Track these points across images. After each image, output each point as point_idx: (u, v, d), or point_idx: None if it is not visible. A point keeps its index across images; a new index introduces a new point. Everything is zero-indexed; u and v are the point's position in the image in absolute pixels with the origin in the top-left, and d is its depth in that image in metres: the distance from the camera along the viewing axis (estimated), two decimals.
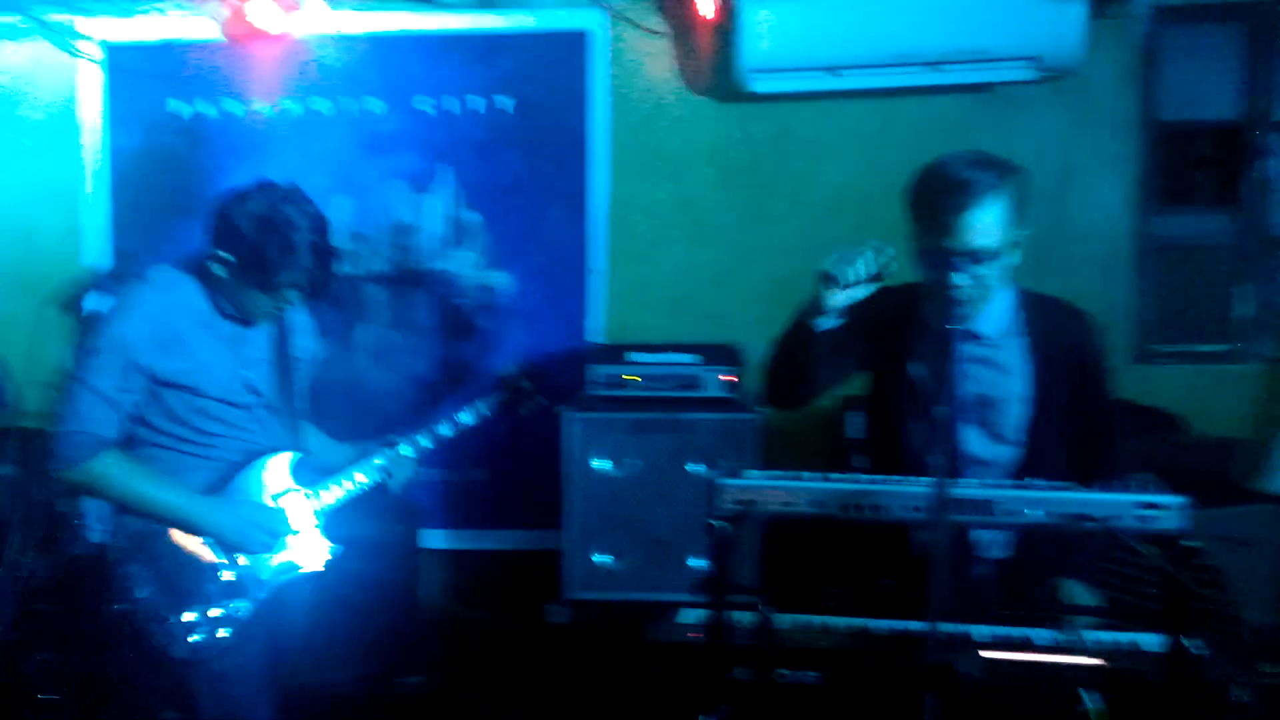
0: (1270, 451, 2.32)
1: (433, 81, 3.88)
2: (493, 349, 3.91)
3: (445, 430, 2.53)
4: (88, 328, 2.25)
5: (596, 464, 3.34)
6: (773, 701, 1.74)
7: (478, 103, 3.88)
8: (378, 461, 2.45)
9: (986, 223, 2.05)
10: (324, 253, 2.23)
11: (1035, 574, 2.17)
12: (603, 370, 3.38)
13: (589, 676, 3.11)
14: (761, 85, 3.67)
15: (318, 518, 2.40)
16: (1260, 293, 3.88)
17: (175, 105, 3.93)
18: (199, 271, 2.29)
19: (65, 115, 3.96)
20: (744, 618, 1.86)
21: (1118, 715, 1.60)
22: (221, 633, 2.26)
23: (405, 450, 2.48)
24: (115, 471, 2.23)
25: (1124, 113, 3.79)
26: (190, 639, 2.24)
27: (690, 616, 1.91)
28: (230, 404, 2.30)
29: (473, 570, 3.91)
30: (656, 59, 3.88)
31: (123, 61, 3.92)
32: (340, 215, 3.93)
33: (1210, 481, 1.85)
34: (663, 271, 3.90)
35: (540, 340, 3.86)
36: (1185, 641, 1.64)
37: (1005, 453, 2.21)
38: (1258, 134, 3.85)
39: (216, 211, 2.23)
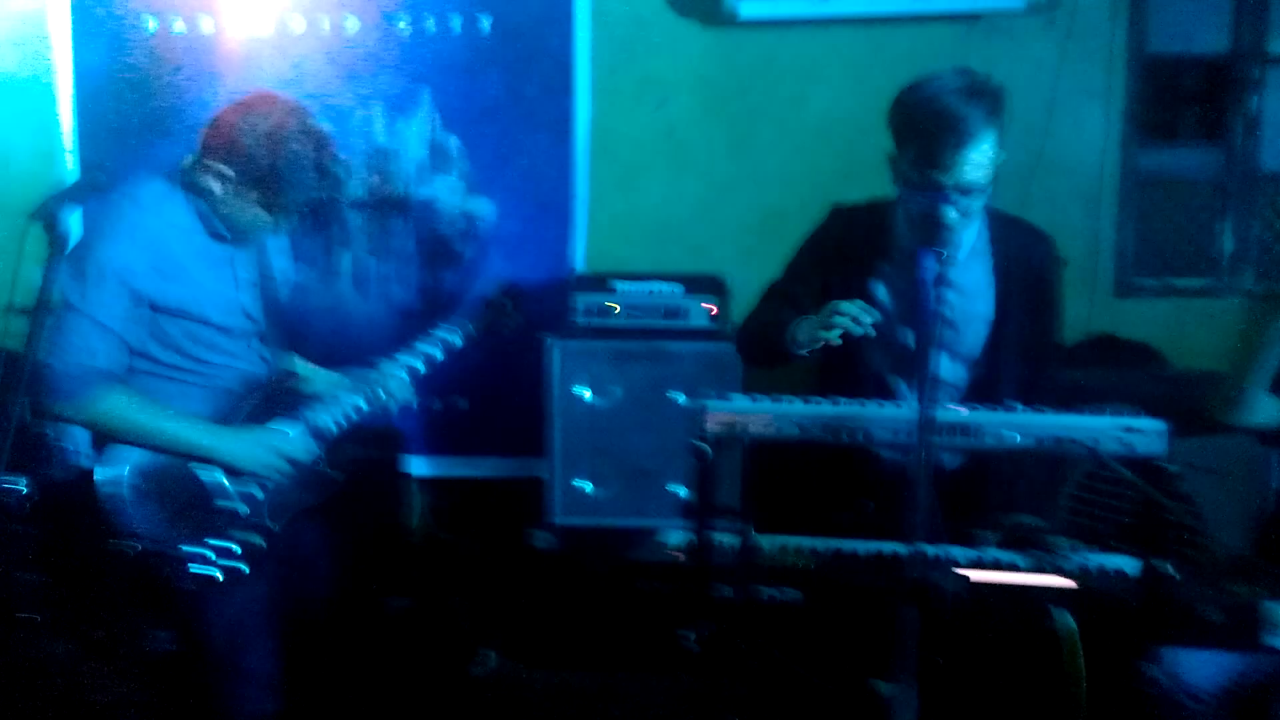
0: (1245, 387, 2.35)
1: (409, 1, 3.77)
2: (474, 276, 3.88)
3: (432, 350, 2.48)
4: (73, 248, 2.06)
5: (579, 392, 3.35)
6: (755, 619, 1.77)
7: (455, 21, 3.79)
8: (372, 385, 2.39)
9: (980, 158, 2.04)
10: (328, 172, 2.16)
11: (985, 489, 2.19)
12: (586, 298, 3.37)
13: (572, 598, 3.15)
14: (749, 9, 3.61)
15: (320, 445, 2.34)
16: (1243, 228, 3.90)
17: (144, 21, 3.81)
18: (188, 186, 2.19)
19: (36, 30, 3.84)
20: (726, 539, 1.89)
21: (1094, 634, 1.64)
22: (230, 564, 2.20)
23: (397, 372, 2.43)
24: (120, 406, 2.14)
25: (1112, 44, 3.75)
26: (198, 571, 2.18)
27: (674, 538, 1.93)
28: (230, 331, 2.23)
29: (457, 497, 3.93)
30: None
31: None
32: None
33: (1188, 414, 1.87)
34: (646, 200, 3.86)
35: (522, 268, 3.82)
36: (1158, 563, 1.68)
37: (961, 373, 2.23)
38: (1247, 67, 3.82)
39: (215, 122, 2.14)
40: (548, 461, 3.36)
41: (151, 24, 3.82)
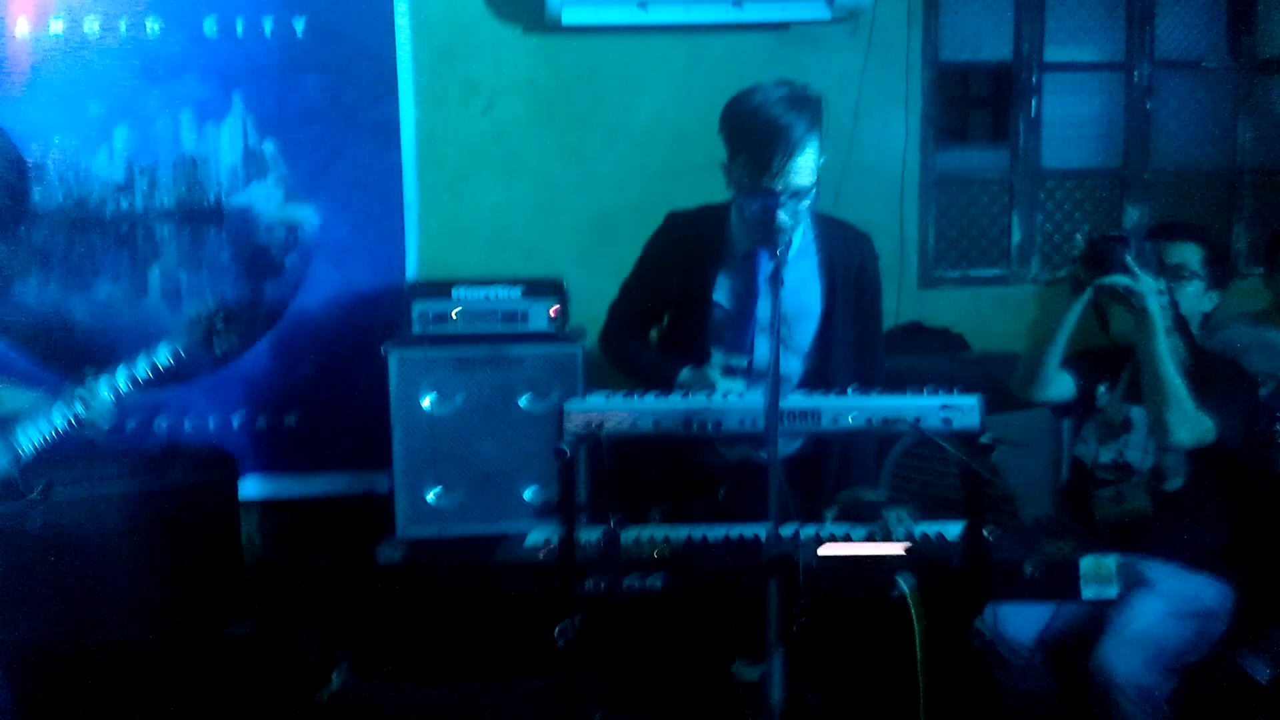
0: (1041, 365, 2.58)
1: (217, 1, 3.61)
2: (298, 286, 3.76)
3: (140, 370, 2.42)
4: None
5: (422, 401, 3.30)
6: (622, 609, 1.82)
7: (267, 23, 3.65)
8: (71, 404, 2.30)
9: (806, 164, 2.18)
10: (16, 192, 2.03)
11: (819, 471, 2.36)
12: (423, 305, 3.33)
13: (427, 611, 3.11)
14: (571, 16, 3.66)
15: (16, 463, 2.26)
16: (1028, 221, 4.27)
17: None
18: None
19: None
20: (589, 533, 1.93)
21: (925, 593, 1.78)
22: None
23: (100, 392, 2.34)
24: None
25: (908, 53, 4.00)
26: None
27: (537, 538, 1.95)
28: None
29: (298, 516, 3.79)
30: None
31: None
32: (120, 147, 3.65)
33: (990, 391, 2.05)
34: (478, 206, 3.84)
35: (353, 276, 3.74)
36: (980, 526, 1.84)
37: (795, 365, 2.38)
38: (1028, 74, 4.19)
39: None
40: (394, 473, 3.29)
41: None
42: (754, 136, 2.17)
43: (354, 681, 3.07)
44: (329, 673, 3.06)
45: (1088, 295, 2.48)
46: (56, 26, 3.56)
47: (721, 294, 2.36)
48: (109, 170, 3.65)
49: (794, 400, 1.89)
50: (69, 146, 3.61)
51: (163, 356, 2.46)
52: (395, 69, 3.71)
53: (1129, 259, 2.39)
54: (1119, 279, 2.40)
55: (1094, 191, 4.29)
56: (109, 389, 2.34)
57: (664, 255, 2.44)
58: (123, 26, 3.59)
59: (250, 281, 3.74)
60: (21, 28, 3.55)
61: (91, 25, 3.58)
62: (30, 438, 2.27)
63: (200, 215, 3.72)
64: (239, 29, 3.64)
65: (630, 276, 2.52)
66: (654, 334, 2.53)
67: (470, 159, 3.84)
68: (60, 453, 2.38)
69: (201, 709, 2.50)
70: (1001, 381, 2.65)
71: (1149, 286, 2.40)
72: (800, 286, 2.35)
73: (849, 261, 2.39)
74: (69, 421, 2.30)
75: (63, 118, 3.57)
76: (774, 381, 1.72)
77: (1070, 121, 4.21)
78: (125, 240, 3.71)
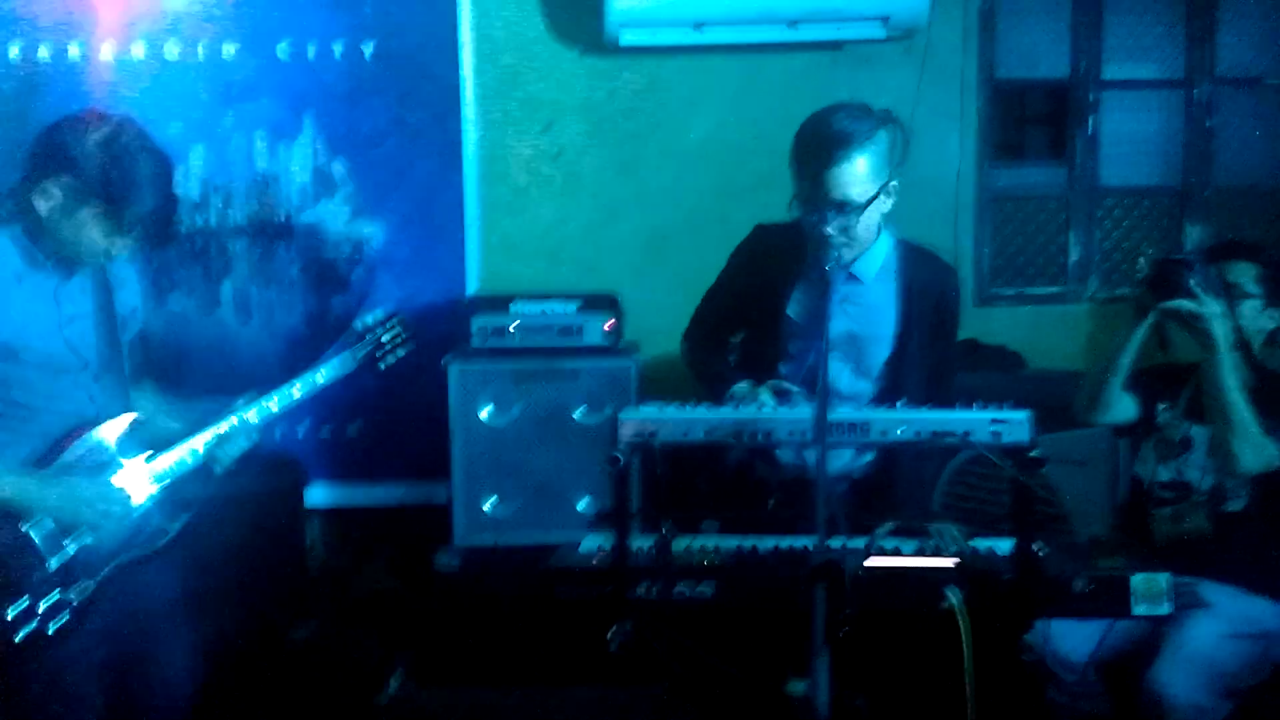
0: (1104, 389, 2.57)
1: (291, 25, 3.76)
2: (366, 302, 3.87)
3: (304, 389, 2.33)
4: None
5: (481, 413, 3.38)
6: (672, 615, 1.86)
7: (337, 47, 3.79)
8: (219, 429, 2.21)
9: (852, 176, 2.18)
10: (166, 194, 2.05)
11: (881, 492, 2.37)
12: (482, 320, 3.41)
13: (483, 618, 3.17)
14: (629, 38, 3.74)
15: (157, 488, 2.17)
16: (1086, 239, 4.24)
17: (7, 47, 3.67)
18: (15, 211, 2.04)
19: None
20: (641, 542, 1.98)
21: (975, 607, 1.79)
22: (55, 623, 2.03)
23: (249, 418, 2.24)
24: None
25: (964, 71, 4.01)
26: (18, 635, 2.00)
27: (591, 545, 2.00)
28: (52, 369, 2.08)
29: (359, 524, 3.89)
30: (523, 7, 3.88)
31: None
32: (197, 166, 3.80)
33: (1048, 409, 2.06)
34: (537, 222, 3.93)
35: (415, 291, 3.84)
36: (1030, 541, 1.85)
37: (866, 388, 2.39)
38: (1085, 91, 4.17)
39: (45, 139, 2.00)
40: (452, 483, 3.37)
41: (14, 50, 3.69)
42: (807, 147, 2.22)
43: (410, 687, 3.13)
44: (386, 677, 3.12)
45: (1152, 319, 2.46)
46: (138, 50, 3.73)
47: (795, 309, 2.39)
48: (185, 188, 3.80)
49: (843, 413, 1.91)
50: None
51: (329, 373, 2.37)
52: (458, 90, 3.83)
53: (1193, 283, 2.37)
54: (1183, 303, 2.38)
55: (1153, 210, 4.25)
56: (259, 417, 2.26)
57: (745, 266, 2.48)
58: (201, 50, 3.76)
59: (318, 296, 3.87)
60: (106, 52, 3.73)
61: (171, 49, 3.75)
62: (169, 467, 2.18)
63: (271, 232, 3.86)
64: (310, 53, 3.79)
65: (714, 284, 2.56)
66: (735, 340, 2.57)
67: (529, 177, 3.94)
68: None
69: (264, 709, 2.58)
70: (1059, 399, 2.64)
71: (1214, 311, 2.37)
72: (876, 310, 2.36)
73: (929, 290, 2.39)
74: (210, 449, 2.21)
75: None
76: (822, 393, 1.75)
77: (1129, 139, 4.17)
78: (199, 255, 3.85)
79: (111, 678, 2.17)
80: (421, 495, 3.76)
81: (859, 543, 2.00)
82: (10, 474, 2.03)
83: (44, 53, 3.70)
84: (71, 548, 2.08)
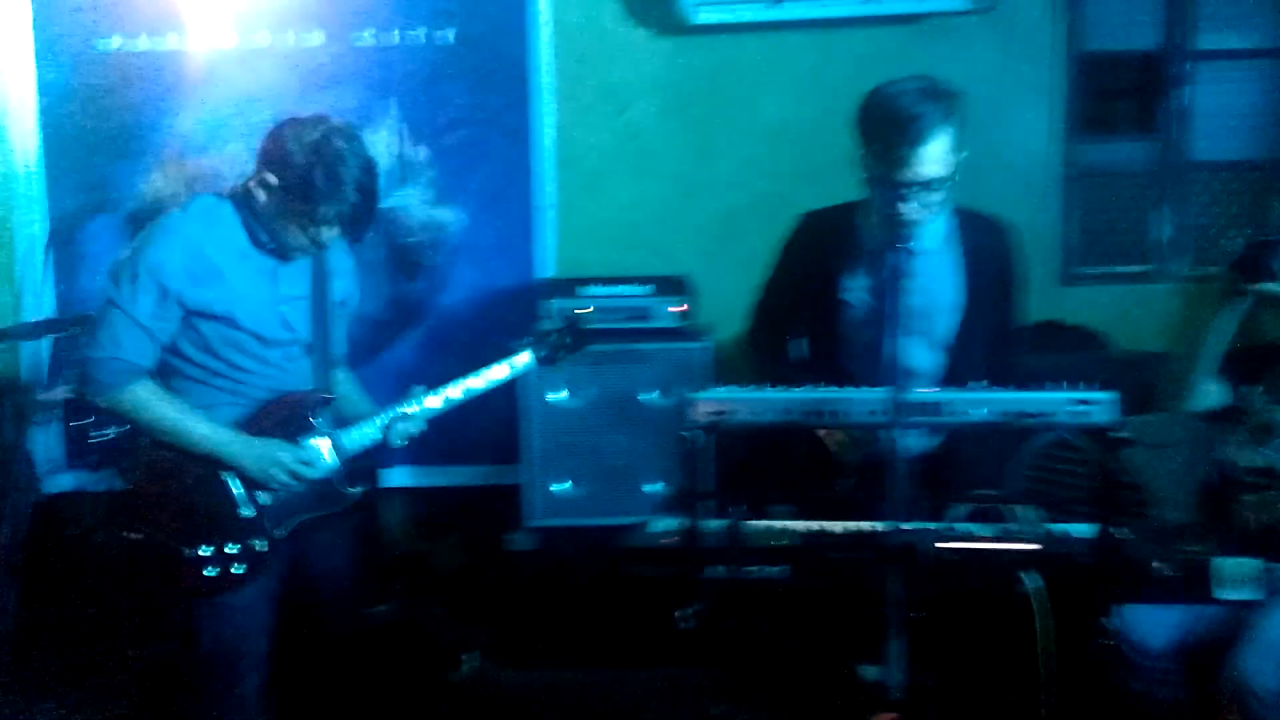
0: (1192, 376, 2.48)
1: (372, 12, 3.82)
2: (443, 286, 3.94)
3: (473, 388, 2.52)
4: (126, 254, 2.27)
5: (552, 396, 3.42)
6: (743, 596, 1.87)
7: (418, 34, 3.85)
8: (402, 411, 2.45)
9: (936, 154, 2.16)
10: (368, 194, 2.24)
11: (951, 469, 2.32)
12: (556, 304, 3.44)
13: (555, 598, 3.22)
14: (703, 15, 3.72)
15: (341, 461, 2.41)
16: (1177, 216, 4.09)
17: (108, 38, 3.80)
18: (240, 197, 2.29)
19: None
20: (711, 524, 1.99)
21: (1052, 590, 1.76)
22: (235, 569, 2.29)
23: (427, 406, 2.46)
24: (149, 399, 2.25)
25: (1049, 42, 3.90)
26: (206, 571, 2.27)
27: (661, 525, 2.02)
28: (264, 339, 2.31)
29: (434, 505, 3.96)
30: None
31: None
32: None
33: (1133, 391, 2.00)
34: (610, 205, 3.95)
35: (492, 275, 3.90)
36: (1112, 527, 1.81)
37: (938, 360, 2.36)
38: (1177, 63, 4.02)
39: (270, 135, 2.26)
40: (524, 465, 3.42)
41: (115, 41, 3.83)
42: (884, 125, 2.18)
43: (485, 665, 3.19)
44: (460, 656, 3.19)
45: (1245, 303, 2.37)
46: (230, 39, 3.84)
47: (859, 290, 2.37)
48: None
49: (921, 393, 1.89)
50: (241, 153, 3.89)
51: (511, 371, 2.55)
52: (535, 75, 3.86)
53: None
54: (1274, 286, 2.29)
55: (1248, 185, 4.08)
56: (440, 405, 2.48)
57: (798, 254, 2.47)
58: (290, 38, 3.85)
59: (399, 279, 3.95)
60: (199, 41, 3.84)
61: (262, 38, 3.85)
62: (354, 440, 2.43)
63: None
64: (394, 39, 3.85)
65: (769, 276, 2.56)
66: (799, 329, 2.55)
67: (604, 160, 3.95)
68: None
69: (342, 685, 2.66)
70: (1144, 382, 2.57)
71: None
72: (940, 280, 2.34)
73: (993, 253, 2.37)
74: (385, 430, 2.45)
75: (236, 126, 3.83)
76: (898, 374, 1.74)
77: (1223, 112, 4.01)
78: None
79: (271, 628, 2.40)
80: (494, 476, 3.81)
81: (932, 525, 1.98)
82: (215, 429, 2.29)
83: (142, 44, 3.83)
84: (263, 500, 2.34)
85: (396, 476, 3.91)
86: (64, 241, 3.31)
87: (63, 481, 3.81)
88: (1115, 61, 4.13)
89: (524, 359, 2.58)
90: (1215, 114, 4.01)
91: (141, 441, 2.34)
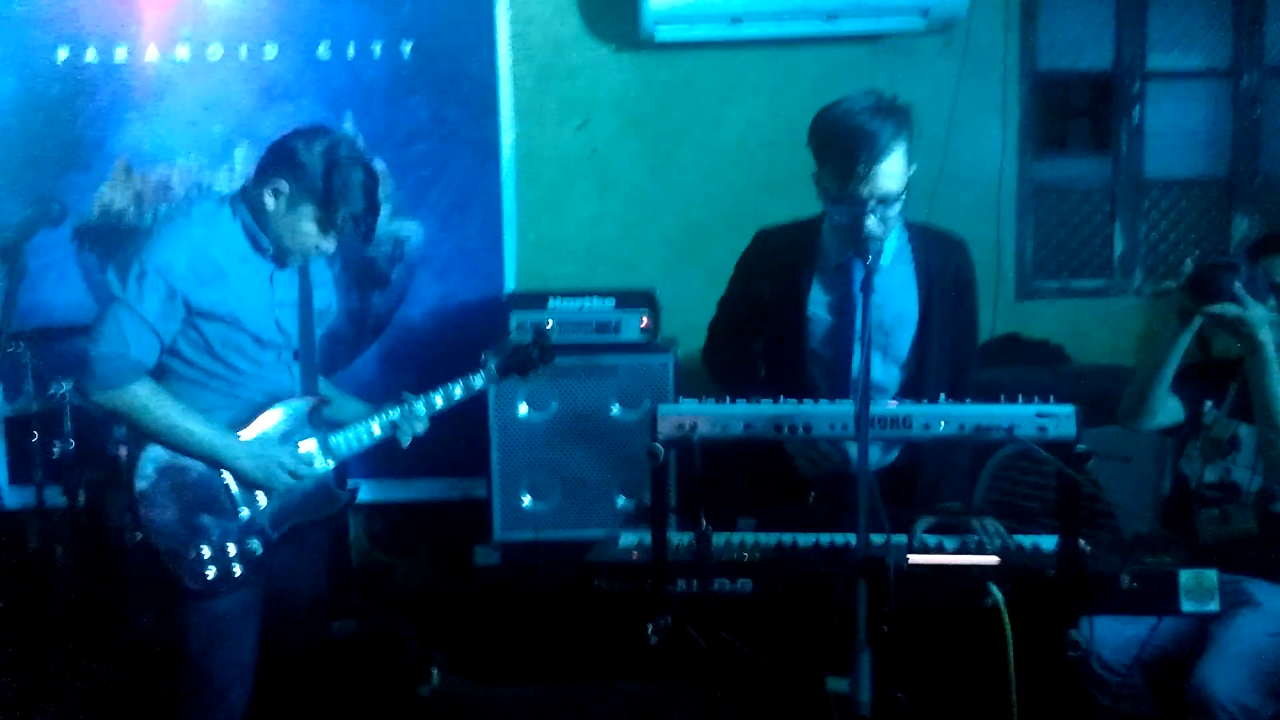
0: (1148, 395, 2.52)
1: (328, 25, 3.79)
2: (405, 300, 3.91)
3: (458, 393, 2.61)
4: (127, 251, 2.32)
5: (519, 409, 3.40)
6: (711, 610, 1.86)
7: (376, 47, 3.81)
8: (391, 416, 2.52)
9: (893, 169, 2.19)
10: (374, 198, 2.33)
11: (912, 483, 2.35)
12: (520, 316, 3.42)
13: (523, 612, 3.19)
14: (665, 33, 3.73)
15: (333, 464, 2.47)
16: (1130, 231, 4.17)
17: (54, 50, 3.73)
18: (244, 204, 2.35)
19: None
20: (679, 537, 1.98)
21: (1019, 603, 1.77)
22: (234, 570, 2.33)
23: (419, 408, 2.54)
24: (149, 399, 2.27)
25: (1005, 62, 3.96)
26: (205, 573, 2.31)
27: (630, 540, 2.01)
28: (262, 341, 2.36)
29: (401, 519, 3.93)
30: (559, 5, 3.89)
31: None
32: (240, 165, 3.85)
33: (1092, 404, 2.03)
34: (573, 220, 3.94)
35: (453, 290, 3.87)
36: (1075, 537, 1.82)
37: (895, 374, 2.38)
38: (1129, 82, 4.10)
39: (278, 144, 2.33)
40: (491, 479, 3.39)
41: (62, 53, 3.76)
42: (839, 143, 2.20)
43: (451, 680, 3.16)
44: (427, 671, 3.15)
45: (1196, 324, 2.41)
46: (182, 52, 3.79)
47: (817, 306, 2.38)
48: (229, 187, 3.85)
49: (885, 407, 1.90)
50: (193, 166, 3.84)
51: (480, 381, 2.65)
52: (495, 89, 3.84)
53: (1238, 287, 2.32)
54: (1228, 308, 2.32)
55: (1200, 202, 4.17)
56: (426, 408, 2.55)
57: (755, 272, 2.48)
58: (243, 51, 3.80)
59: (359, 293, 3.91)
60: (150, 54, 3.78)
61: (215, 51, 3.80)
62: (346, 443, 2.48)
63: None
64: (350, 52, 3.82)
65: (725, 295, 2.57)
66: (756, 347, 2.56)
67: (566, 174, 3.94)
68: None
69: (306, 701, 2.62)
70: (1102, 394, 2.60)
71: (1260, 317, 2.32)
72: (896, 295, 2.36)
73: (945, 268, 2.40)
74: (384, 431, 2.52)
75: (188, 138, 3.80)
76: (864, 388, 1.74)
77: (1175, 130, 4.10)
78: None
79: (265, 624, 2.44)
80: (461, 490, 3.78)
81: (900, 539, 1.98)
82: (212, 431, 2.33)
83: (91, 56, 3.77)
84: (260, 503, 2.39)
85: (363, 490, 3.84)
86: (6, 255, 3.22)
87: (9, 499, 3.72)
88: (1069, 81, 4.21)
89: (493, 371, 2.69)
90: (1167, 132, 4.10)
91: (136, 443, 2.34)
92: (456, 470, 3.79)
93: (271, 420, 2.41)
